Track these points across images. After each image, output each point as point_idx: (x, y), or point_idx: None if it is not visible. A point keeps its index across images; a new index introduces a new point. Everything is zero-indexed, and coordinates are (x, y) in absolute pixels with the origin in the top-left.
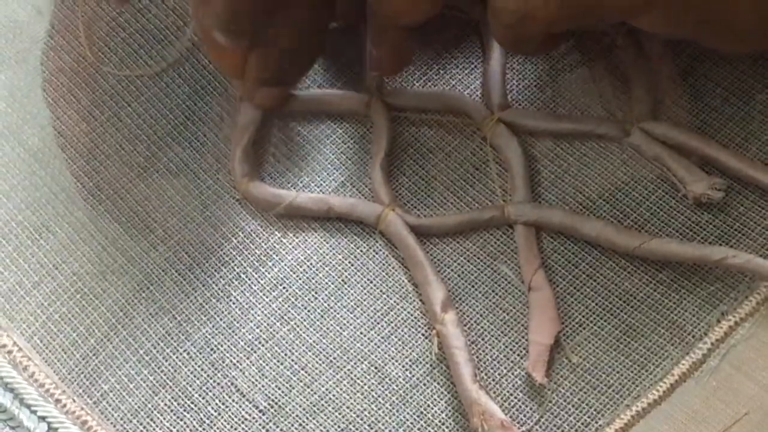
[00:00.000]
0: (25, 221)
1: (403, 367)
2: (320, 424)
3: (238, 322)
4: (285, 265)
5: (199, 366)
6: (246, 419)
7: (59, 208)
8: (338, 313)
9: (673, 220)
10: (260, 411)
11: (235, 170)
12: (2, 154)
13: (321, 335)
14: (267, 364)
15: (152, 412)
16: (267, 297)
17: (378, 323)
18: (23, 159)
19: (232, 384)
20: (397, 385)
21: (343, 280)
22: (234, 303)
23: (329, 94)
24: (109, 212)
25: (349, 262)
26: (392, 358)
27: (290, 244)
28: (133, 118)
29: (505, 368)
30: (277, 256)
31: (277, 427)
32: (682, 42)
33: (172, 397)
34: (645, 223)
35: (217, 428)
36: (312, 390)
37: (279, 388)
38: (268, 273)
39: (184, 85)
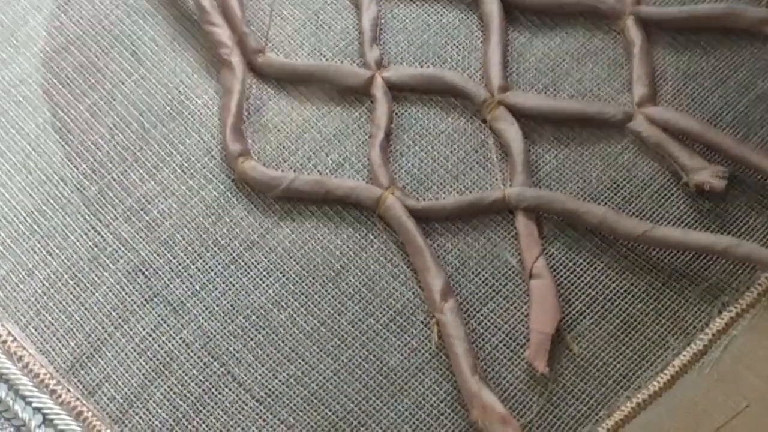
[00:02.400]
0: (18, 207)
1: (402, 355)
2: (318, 414)
3: (234, 309)
4: (282, 249)
5: (194, 354)
6: (243, 409)
7: (53, 192)
8: (336, 300)
9: (674, 208)
10: (257, 400)
11: (228, 149)
12: None
13: (318, 322)
14: (264, 352)
15: (148, 401)
16: (263, 282)
17: (376, 310)
18: (17, 143)
19: (228, 373)
20: (395, 374)
21: (341, 266)
22: (230, 288)
23: (329, 67)
24: (103, 196)
25: (347, 247)
26: (391, 346)
27: (287, 227)
28: (126, 96)
29: (505, 357)
30: (273, 239)
31: (275, 416)
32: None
33: (168, 386)
34: (646, 211)
35: (214, 418)
36: (309, 378)
37: (276, 377)
38: (265, 257)
39: (177, 61)
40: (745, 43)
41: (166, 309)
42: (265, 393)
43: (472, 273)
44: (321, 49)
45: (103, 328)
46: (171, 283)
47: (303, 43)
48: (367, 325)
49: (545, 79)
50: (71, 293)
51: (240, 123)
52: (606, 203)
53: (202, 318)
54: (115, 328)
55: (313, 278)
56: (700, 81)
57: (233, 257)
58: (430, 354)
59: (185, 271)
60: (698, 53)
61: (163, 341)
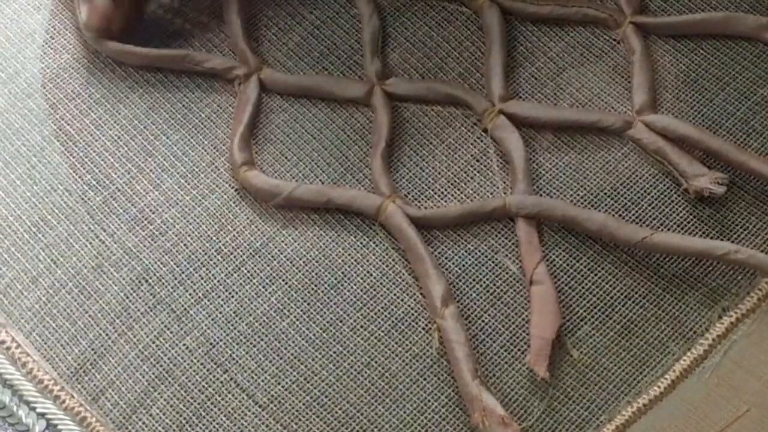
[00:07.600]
0: (23, 216)
1: (404, 361)
2: (320, 419)
3: (237, 316)
4: (284, 257)
5: (197, 360)
6: (245, 414)
7: (58, 202)
8: (338, 307)
9: (674, 214)
10: (260, 406)
11: (234, 159)
12: (2, 150)
13: (321, 329)
14: (266, 359)
15: (151, 407)
16: (266, 290)
17: (378, 317)
18: (23, 155)
19: (231, 379)
20: (397, 380)
21: (342, 273)
22: (233, 296)
23: (330, 80)
24: (107, 205)
25: (349, 255)
26: (393, 353)
27: (289, 236)
28: (130, 109)
29: (506, 363)
30: (276, 248)
31: (277, 422)
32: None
33: (171, 393)
34: (646, 217)
35: (217, 423)
36: (312, 385)
37: (278, 383)
38: (267, 266)
39: (181, 75)
40: (744, 50)
41: (170, 316)
42: (268, 399)
43: (473, 279)
44: (323, 62)
45: (106, 334)
46: (174, 290)
47: (305, 57)
48: (368, 332)
49: (545, 87)
50: (75, 300)
51: (249, 134)
52: (606, 210)
53: (205, 325)
54: (119, 335)
55: (316, 286)
56: (699, 88)
57: (236, 265)
58: (431, 360)
59: (188, 279)
60: (698, 60)
61: (167, 348)
